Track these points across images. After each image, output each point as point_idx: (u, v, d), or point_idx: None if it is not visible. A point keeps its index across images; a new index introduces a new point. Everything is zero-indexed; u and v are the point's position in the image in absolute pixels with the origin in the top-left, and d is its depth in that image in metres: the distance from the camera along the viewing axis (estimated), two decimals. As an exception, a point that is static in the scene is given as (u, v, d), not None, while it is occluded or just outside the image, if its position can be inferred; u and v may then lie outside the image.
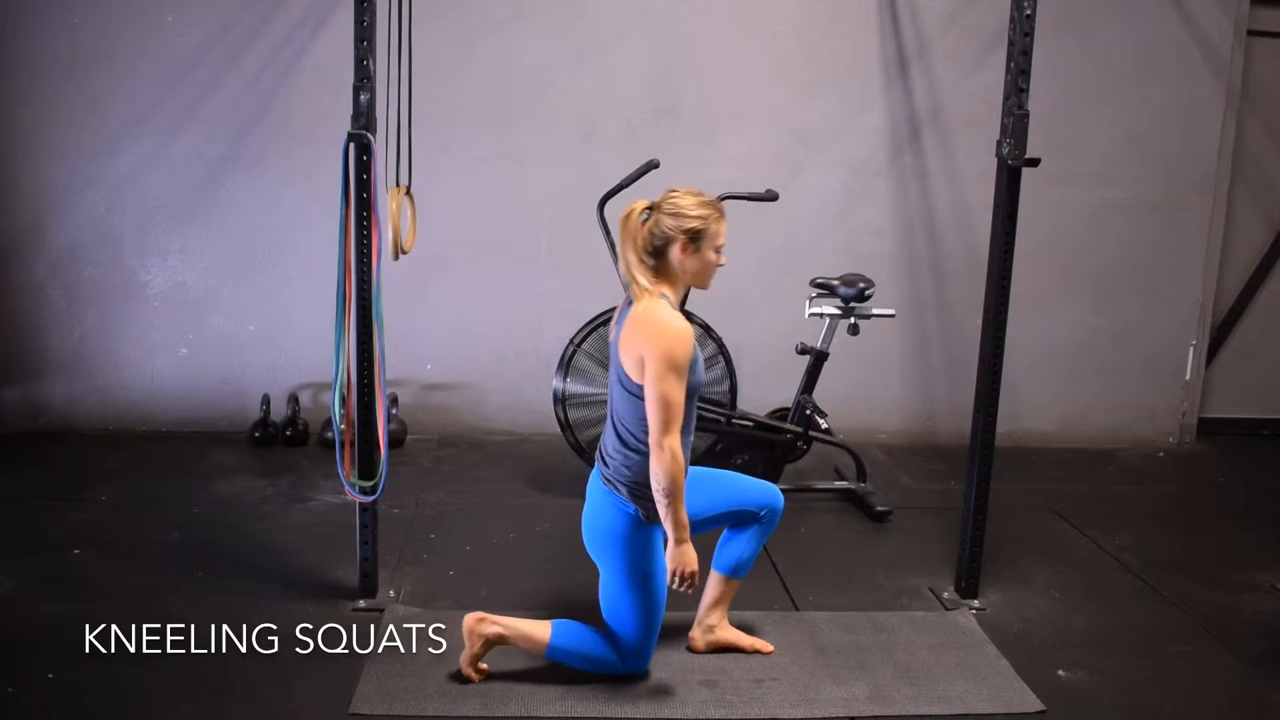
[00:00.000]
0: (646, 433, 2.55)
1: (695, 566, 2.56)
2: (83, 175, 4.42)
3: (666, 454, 2.49)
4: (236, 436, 4.56)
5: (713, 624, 2.90)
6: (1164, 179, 4.88)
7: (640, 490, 2.60)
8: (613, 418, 2.67)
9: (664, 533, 2.61)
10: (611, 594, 2.68)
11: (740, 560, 2.84)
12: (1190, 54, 4.78)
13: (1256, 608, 3.36)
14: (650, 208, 2.62)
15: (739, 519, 2.83)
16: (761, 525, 2.84)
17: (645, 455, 2.57)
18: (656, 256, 2.61)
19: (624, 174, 3.86)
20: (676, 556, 2.55)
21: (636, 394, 2.56)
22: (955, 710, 2.68)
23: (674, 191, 2.61)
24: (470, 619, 2.69)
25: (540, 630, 2.69)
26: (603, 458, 2.70)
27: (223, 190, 4.49)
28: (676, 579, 2.57)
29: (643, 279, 2.60)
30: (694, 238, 2.57)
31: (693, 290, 3.89)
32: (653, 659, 2.75)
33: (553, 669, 2.73)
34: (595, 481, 2.72)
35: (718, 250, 2.63)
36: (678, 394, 2.50)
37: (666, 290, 2.61)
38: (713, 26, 4.56)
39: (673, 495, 2.51)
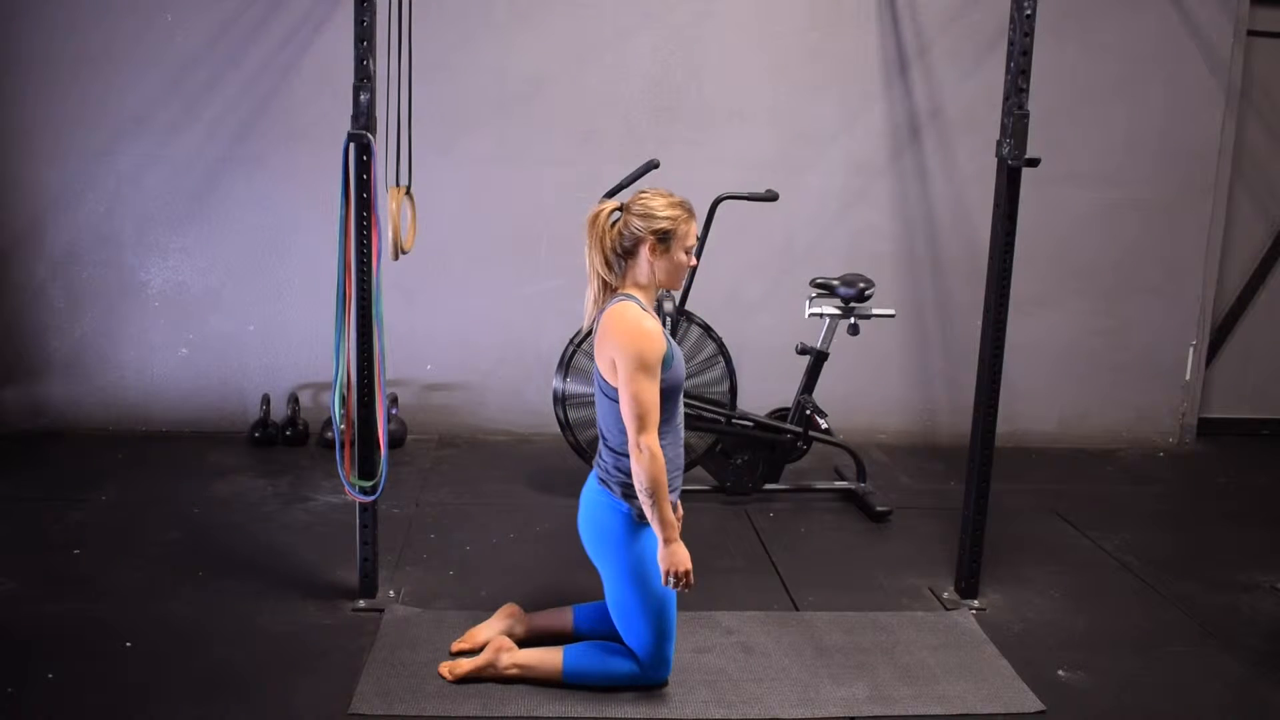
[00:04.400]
0: (625, 434, 2.55)
1: (688, 564, 2.55)
2: (83, 175, 4.42)
3: (645, 454, 2.48)
4: (236, 436, 4.56)
5: (518, 635, 2.81)
6: (1164, 179, 4.88)
7: (631, 490, 2.60)
8: (599, 420, 2.68)
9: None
10: (619, 601, 2.66)
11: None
12: (1190, 54, 4.78)
13: (1256, 608, 3.36)
14: (620, 209, 2.62)
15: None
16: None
17: (627, 456, 2.57)
18: (626, 258, 2.61)
19: (624, 174, 3.86)
20: (667, 556, 2.54)
21: (612, 396, 2.57)
22: (955, 710, 2.68)
23: (644, 193, 2.62)
24: (494, 648, 2.70)
25: (553, 660, 2.68)
26: (597, 458, 2.71)
27: (223, 190, 4.49)
28: (670, 578, 2.56)
29: (611, 280, 2.60)
30: (663, 238, 2.57)
31: (692, 290, 3.96)
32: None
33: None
34: (591, 482, 2.72)
35: (688, 251, 2.62)
36: (650, 393, 2.49)
37: (635, 292, 2.61)
38: (713, 26, 4.56)
39: (656, 495, 2.50)
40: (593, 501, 2.69)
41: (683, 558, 2.55)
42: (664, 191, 2.62)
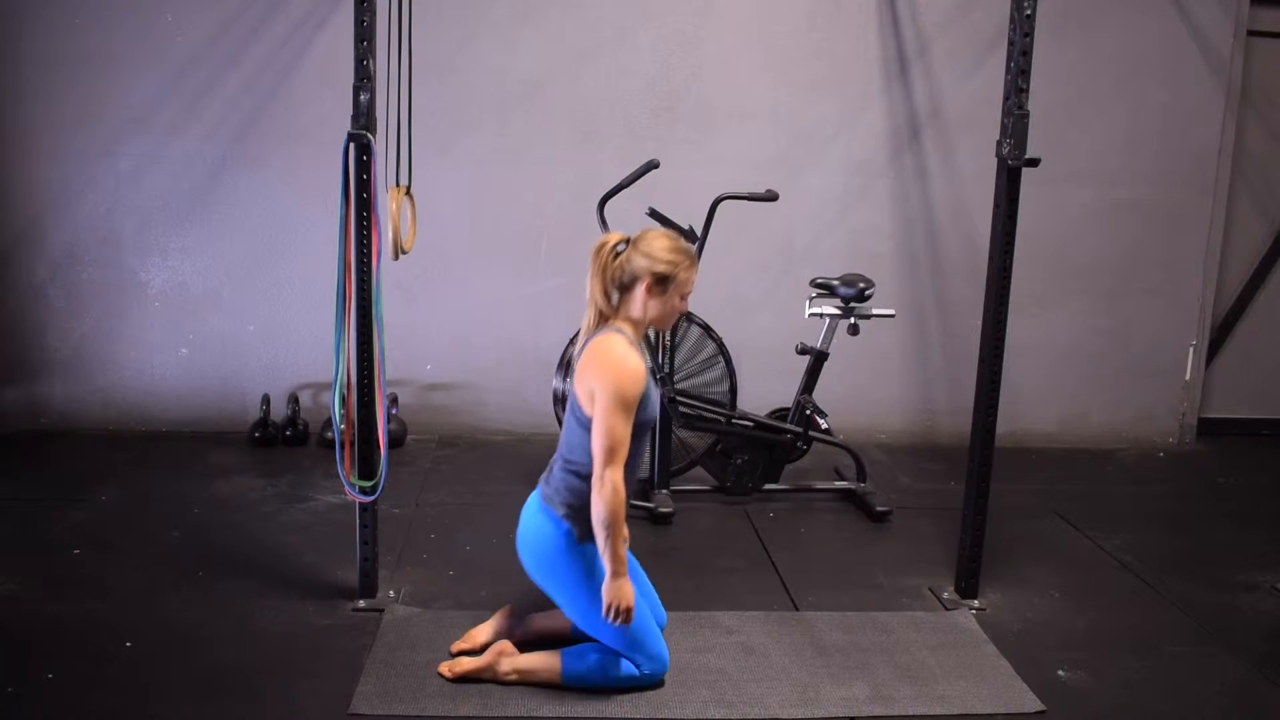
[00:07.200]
0: (590, 461, 2.57)
1: (631, 601, 2.56)
2: (83, 175, 4.42)
3: (607, 487, 2.50)
4: (236, 436, 4.56)
5: (517, 636, 2.81)
6: (1164, 179, 4.88)
7: (574, 512, 2.62)
8: (563, 440, 2.69)
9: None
10: (579, 616, 2.67)
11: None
12: (1190, 54, 4.78)
13: (1256, 608, 3.36)
14: (626, 241, 2.64)
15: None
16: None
17: (587, 481, 2.58)
18: (622, 292, 2.64)
19: (624, 174, 3.86)
20: (612, 590, 2.56)
21: (585, 424, 2.58)
22: (955, 710, 2.68)
23: (650, 232, 2.65)
24: (495, 652, 2.70)
25: (552, 664, 2.68)
26: (547, 477, 2.72)
27: (223, 190, 4.49)
28: (611, 612, 2.56)
29: (606, 310, 2.63)
30: (661, 281, 2.60)
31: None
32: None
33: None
34: (532, 503, 2.73)
35: (683, 297, 2.66)
36: (624, 429, 2.52)
37: (625, 326, 2.63)
38: (713, 26, 4.56)
39: (612, 528, 2.52)
40: (533, 523, 2.70)
41: (627, 593, 2.56)
42: (671, 234, 2.65)
